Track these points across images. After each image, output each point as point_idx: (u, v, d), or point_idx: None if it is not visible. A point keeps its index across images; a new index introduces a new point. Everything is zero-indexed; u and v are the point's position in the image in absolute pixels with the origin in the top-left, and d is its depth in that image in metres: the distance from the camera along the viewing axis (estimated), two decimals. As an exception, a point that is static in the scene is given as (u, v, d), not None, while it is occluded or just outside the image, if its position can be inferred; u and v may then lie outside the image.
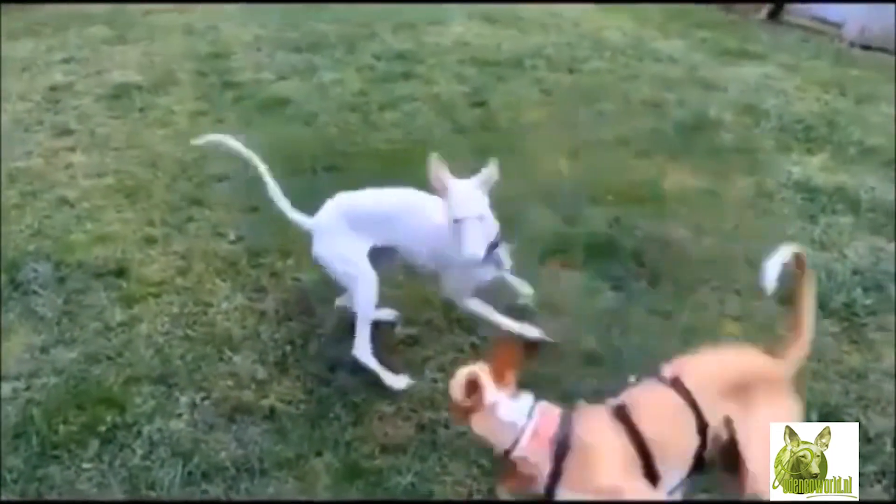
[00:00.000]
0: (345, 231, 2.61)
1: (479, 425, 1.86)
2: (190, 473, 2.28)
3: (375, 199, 2.68)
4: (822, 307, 2.93)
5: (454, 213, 2.39)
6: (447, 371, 2.67)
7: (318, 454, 2.34)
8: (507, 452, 1.84)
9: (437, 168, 2.42)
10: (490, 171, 2.42)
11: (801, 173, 3.93)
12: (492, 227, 2.52)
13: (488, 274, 2.62)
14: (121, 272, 3.16)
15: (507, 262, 2.66)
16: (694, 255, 3.29)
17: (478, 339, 2.84)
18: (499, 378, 1.85)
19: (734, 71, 5.41)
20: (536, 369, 2.69)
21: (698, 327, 2.87)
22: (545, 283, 3.04)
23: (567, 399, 2.50)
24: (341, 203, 2.68)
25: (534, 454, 1.81)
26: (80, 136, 4.40)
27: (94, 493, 2.23)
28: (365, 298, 2.60)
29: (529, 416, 1.83)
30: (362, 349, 2.61)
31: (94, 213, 3.61)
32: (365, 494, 2.25)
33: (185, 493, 2.23)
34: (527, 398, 1.88)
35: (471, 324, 2.91)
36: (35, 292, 3.03)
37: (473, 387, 1.83)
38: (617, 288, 3.10)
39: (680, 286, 3.08)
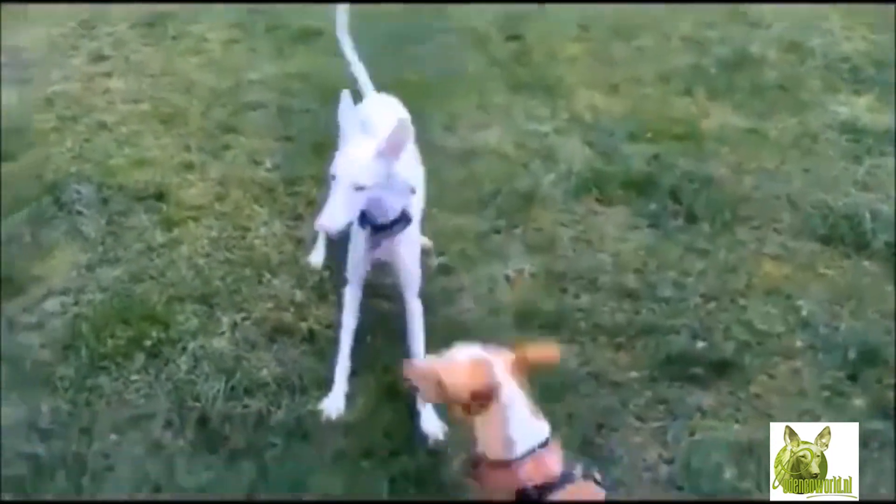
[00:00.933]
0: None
1: (485, 427, 1.56)
2: (233, 388, 2.35)
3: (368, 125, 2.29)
4: (866, 247, 2.90)
5: (332, 168, 2.09)
6: (480, 302, 2.70)
7: (356, 373, 2.39)
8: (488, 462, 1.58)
9: (344, 113, 2.12)
10: (397, 132, 2.04)
11: (848, 113, 3.81)
12: (381, 200, 2.13)
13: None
14: (160, 196, 3.20)
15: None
16: (734, 193, 3.24)
17: (512, 272, 2.85)
18: (520, 368, 1.56)
19: (777, 8, 5.20)
20: (570, 303, 2.73)
21: (736, 265, 2.86)
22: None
23: (599, 331, 2.56)
24: (384, 111, 2.53)
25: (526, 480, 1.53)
26: (115, 62, 4.38)
27: (142, 402, 2.31)
28: None
29: (533, 450, 1.54)
30: None
31: (132, 138, 3.64)
32: (401, 415, 2.30)
33: (227, 406, 2.30)
34: (544, 426, 1.59)
35: (505, 255, 2.92)
36: (79, 212, 3.08)
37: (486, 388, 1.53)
38: (653, 225, 3.08)
39: (718, 225, 3.05)
